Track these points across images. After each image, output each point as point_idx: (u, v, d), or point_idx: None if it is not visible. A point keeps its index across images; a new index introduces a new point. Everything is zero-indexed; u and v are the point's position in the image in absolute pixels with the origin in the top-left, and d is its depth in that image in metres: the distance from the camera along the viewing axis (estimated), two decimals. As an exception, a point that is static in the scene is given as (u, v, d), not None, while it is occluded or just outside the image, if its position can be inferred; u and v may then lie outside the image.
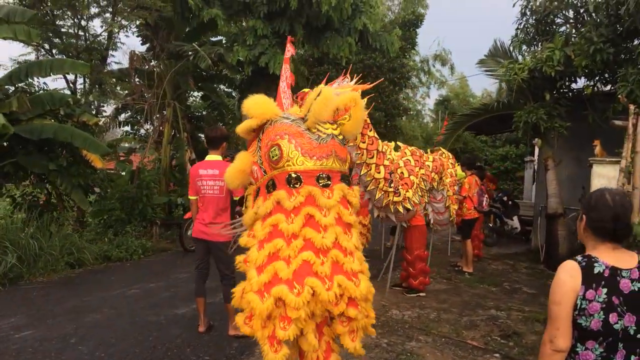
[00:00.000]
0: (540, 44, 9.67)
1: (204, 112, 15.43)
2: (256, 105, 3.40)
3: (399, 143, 6.98)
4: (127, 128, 14.47)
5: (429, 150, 8.71)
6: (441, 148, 8.83)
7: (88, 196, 10.41)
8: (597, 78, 9.16)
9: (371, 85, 5.58)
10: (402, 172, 6.22)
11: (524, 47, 10.08)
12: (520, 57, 10.28)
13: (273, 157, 3.41)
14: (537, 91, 9.45)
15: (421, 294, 7.19)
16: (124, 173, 11.80)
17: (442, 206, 8.06)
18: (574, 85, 9.78)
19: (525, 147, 18.08)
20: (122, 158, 13.30)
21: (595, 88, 9.21)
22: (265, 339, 3.24)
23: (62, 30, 11.26)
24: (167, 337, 5.12)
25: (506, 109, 10.16)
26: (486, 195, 9.00)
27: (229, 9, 12.50)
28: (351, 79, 5.75)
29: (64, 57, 10.70)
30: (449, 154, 8.56)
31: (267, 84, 12.24)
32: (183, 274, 7.63)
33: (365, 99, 5.24)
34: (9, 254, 6.81)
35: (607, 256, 2.12)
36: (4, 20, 8.06)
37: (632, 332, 2.07)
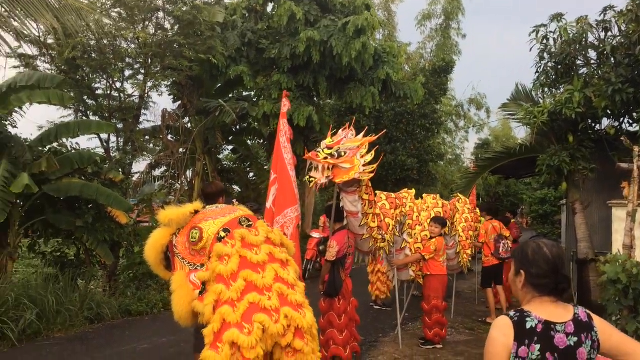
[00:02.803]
0: (562, 86, 9.51)
1: (235, 165, 15.78)
2: (172, 214, 3.84)
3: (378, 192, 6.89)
4: (163, 182, 14.94)
5: (456, 196, 8.58)
6: (458, 194, 8.68)
7: (119, 251, 10.72)
8: (622, 119, 8.91)
9: (376, 137, 5.69)
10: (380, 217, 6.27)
11: (546, 89, 9.93)
12: (541, 100, 10.12)
13: (192, 238, 3.69)
14: (560, 133, 9.23)
15: (437, 346, 6.95)
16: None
17: (453, 252, 7.90)
18: (600, 126, 9.51)
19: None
20: (157, 212, 13.64)
21: (621, 128, 8.94)
22: None
23: (97, 92, 11.87)
24: (165, 394, 5.13)
25: (529, 152, 9.92)
26: (503, 242, 8.68)
27: (255, 65, 12.97)
28: (368, 129, 5.88)
29: (98, 117, 11.25)
30: (466, 199, 8.41)
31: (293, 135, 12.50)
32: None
33: (373, 152, 5.36)
34: (27, 311, 7.01)
35: (542, 310, 2.02)
36: (35, 86, 8.60)
37: None
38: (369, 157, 5.28)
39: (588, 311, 2.08)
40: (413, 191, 8.18)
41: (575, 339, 1.97)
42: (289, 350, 3.46)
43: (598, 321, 2.06)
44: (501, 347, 1.96)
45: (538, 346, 1.94)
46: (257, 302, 3.39)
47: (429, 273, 7.04)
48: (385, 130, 7.65)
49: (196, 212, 3.94)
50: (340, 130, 5.63)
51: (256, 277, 3.48)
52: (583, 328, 2.00)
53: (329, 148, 5.22)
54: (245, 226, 3.74)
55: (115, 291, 9.46)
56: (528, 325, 1.97)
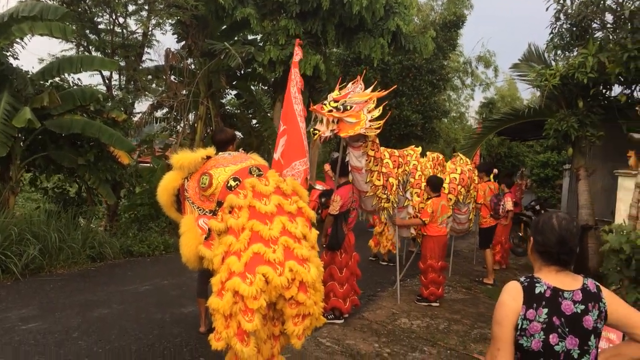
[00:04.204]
0: (576, 49, 9.33)
1: (238, 111, 15.60)
2: (184, 158, 3.87)
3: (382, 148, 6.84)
4: (164, 124, 14.79)
5: (457, 156, 8.52)
6: (459, 153, 8.63)
7: (120, 191, 10.73)
8: (634, 86, 8.78)
9: (385, 92, 5.60)
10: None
11: (559, 52, 9.75)
12: (554, 63, 9.94)
13: (202, 184, 3.70)
14: (570, 98, 9.13)
15: (433, 304, 7.06)
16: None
17: (465, 218, 7.95)
18: (611, 93, 9.39)
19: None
20: (158, 153, 13.58)
21: (632, 96, 8.83)
22: (234, 337, 3.33)
23: (100, 27, 11.56)
24: (167, 335, 5.22)
25: (537, 116, 9.84)
26: (502, 203, 8.72)
27: (263, 8, 12.62)
28: (374, 84, 5.76)
29: (100, 53, 11.01)
30: (467, 159, 8.37)
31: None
32: (196, 273, 7.68)
33: (380, 108, 5.27)
34: (30, 246, 7.06)
35: (551, 278, 2.14)
36: (37, 17, 8.36)
37: (575, 356, 2.06)
38: (377, 113, 5.20)
39: (598, 283, 2.17)
40: (419, 149, 8.13)
41: (583, 307, 2.06)
42: (292, 302, 3.51)
43: (607, 293, 2.15)
44: (510, 310, 2.08)
45: (545, 310, 2.05)
46: (262, 254, 3.41)
47: (425, 234, 7.09)
48: (395, 86, 7.54)
49: (208, 157, 3.92)
50: (350, 84, 5.53)
51: (263, 227, 3.50)
52: (591, 298, 2.09)
53: (336, 101, 5.16)
54: (255, 175, 3.73)
55: (117, 231, 9.52)
56: (537, 291, 2.08)
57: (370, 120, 5.12)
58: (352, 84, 5.48)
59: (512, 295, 2.10)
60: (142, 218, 10.22)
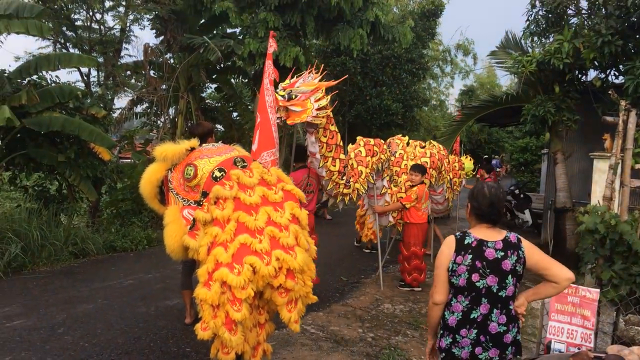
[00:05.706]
0: (551, 35, 9.46)
1: (218, 104, 15.57)
2: (168, 150, 3.90)
3: (358, 137, 6.94)
4: (144, 119, 14.73)
5: (429, 143, 8.67)
6: (432, 141, 8.76)
7: (102, 187, 10.68)
8: (608, 70, 8.93)
9: (335, 82, 5.73)
10: (352, 164, 6.51)
11: (535, 38, 9.88)
12: (530, 49, 10.09)
13: (187, 175, 3.73)
14: (547, 83, 9.27)
15: (416, 289, 7.17)
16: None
17: (441, 197, 8.14)
18: (586, 78, 9.55)
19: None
20: (138, 149, 13.51)
21: (607, 80, 8.99)
22: (222, 326, 3.40)
23: (77, 24, 11.47)
24: (153, 328, 5.25)
25: (515, 102, 9.99)
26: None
27: (241, 1, 12.55)
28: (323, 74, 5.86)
29: (77, 50, 10.92)
30: (440, 145, 8.52)
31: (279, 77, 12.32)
32: (180, 266, 7.71)
33: (329, 97, 5.40)
34: (12, 244, 7.03)
35: (479, 232, 2.73)
36: (13, 15, 8.26)
37: (495, 290, 2.65)
38: (324, 102, 5.35)
39: (519, 236, 2.75)
40: (406, 138, 8.22)
41: (502, 253, 2.64)
42: (281, 290, 3.58)
43: (526, 243, 2.72)
44: (444, 257, 2.72)
45: (470, 256, 2.65)
46: (249, 244, 3.47)
47: (409, 221, 7.15)
48: (345, 77, 7.74)
49: (192, 149, 3.96)
50: (305, 72, 5.64)
51: (248, 219, 3.56)
52: (511, 246, 2.67)
53: (283, 89, 5.31)
54: (239, 167, 3.77)
55: (99, 227, 9.48)
56: (466, 241, 2.70)
57: (317, 109, 5.27)
58: (309, 73, 5.61)
59: (447, 245, 2.72)
60: (125, 213, 10.19)
